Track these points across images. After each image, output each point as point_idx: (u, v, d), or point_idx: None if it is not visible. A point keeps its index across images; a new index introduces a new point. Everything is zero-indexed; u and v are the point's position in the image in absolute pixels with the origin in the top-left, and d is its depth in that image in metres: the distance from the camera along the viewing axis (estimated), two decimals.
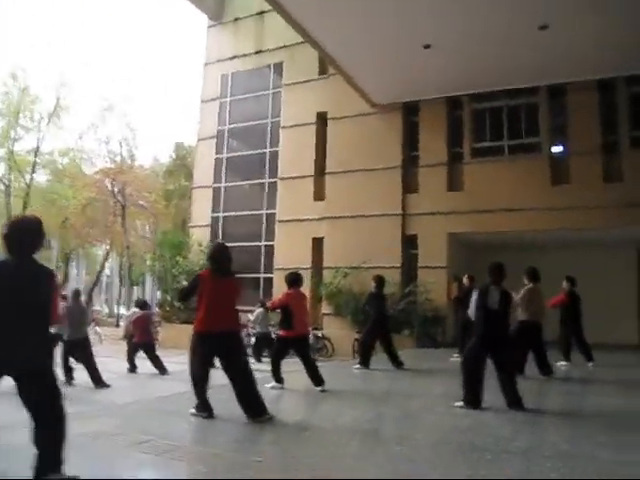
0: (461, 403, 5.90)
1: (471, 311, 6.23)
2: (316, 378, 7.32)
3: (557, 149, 15.41)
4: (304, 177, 17.89)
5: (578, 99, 14.89)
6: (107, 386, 9.35)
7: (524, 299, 8.51)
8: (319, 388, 7.26)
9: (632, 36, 12.39)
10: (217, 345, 5.40)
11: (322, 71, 18.14)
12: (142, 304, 12.87)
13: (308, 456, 4.22)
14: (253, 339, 14.08)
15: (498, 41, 13.07)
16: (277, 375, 7.45)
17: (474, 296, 6.25)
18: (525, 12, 11.92)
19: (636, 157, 14.22)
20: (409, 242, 16.05)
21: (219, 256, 5.68)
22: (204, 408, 5.40)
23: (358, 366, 9.64)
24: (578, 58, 13.56)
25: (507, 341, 6.10)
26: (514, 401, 5.82)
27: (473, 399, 5.83)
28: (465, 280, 11.28)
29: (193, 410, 5.44)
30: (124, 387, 9.79)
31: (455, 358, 10.96)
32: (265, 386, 7.36)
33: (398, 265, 15.76)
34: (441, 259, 15.24)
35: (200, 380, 5.44)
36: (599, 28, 12.14)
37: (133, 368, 11.40)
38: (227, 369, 5.47)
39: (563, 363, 10.10)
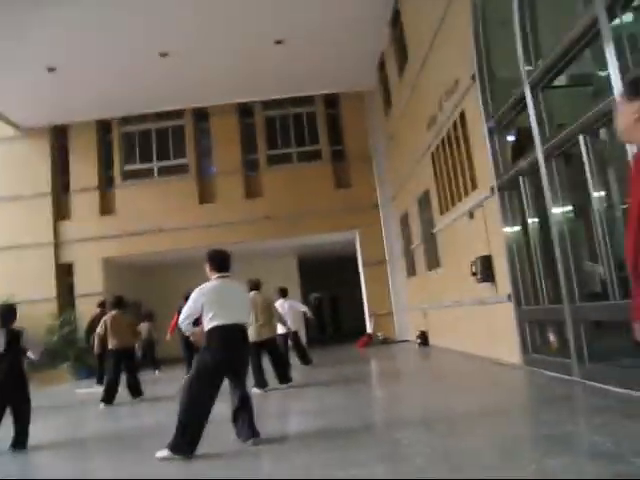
0: None
1: None
2: None
3: (205, 170, 16.20)
4: None
5: (220, 122, 15.92)
6: None
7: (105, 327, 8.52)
8: None
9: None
10: None
11: None
12: None
13: None
14: None
15: (126, 71, 13.36)
16: None
17: None
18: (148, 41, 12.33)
19: (272, 174, 15.72)
20: (64, 271, 15.32)
21: None
22: None
23: None
24: (217, 83, 14.48)
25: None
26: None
27: None
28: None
29: None
30: None
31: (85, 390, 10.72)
32: None
33: (53, 296, 14.93)
34: (98, 285, 14.84)
35: None
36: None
37: None
38: None
39: None
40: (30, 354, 5.81)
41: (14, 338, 5.53)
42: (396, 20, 12.14)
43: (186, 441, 4.30)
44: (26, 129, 15.65)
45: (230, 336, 4.60)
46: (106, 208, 15.55)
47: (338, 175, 16.02)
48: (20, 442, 5.42)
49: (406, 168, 12.68)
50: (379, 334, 15.14)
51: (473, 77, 7.59)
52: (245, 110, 16.19)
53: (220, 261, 4.93)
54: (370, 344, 14.76)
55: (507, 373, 6.90)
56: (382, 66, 14.37)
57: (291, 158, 16.10)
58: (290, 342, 10.38)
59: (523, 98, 6.22)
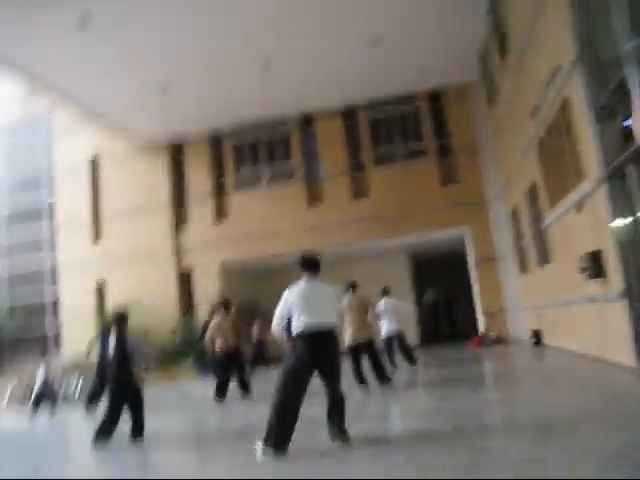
0: None
1: None
2: None
3: (312, 173, 16.60)
4: (82, 222, 17.65)
5: (325, 126, 16.23)
6: None
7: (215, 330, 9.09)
8: None
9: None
10: None
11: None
12: None
13: None
14: None
15: (232, 83, 14.09)
16: None
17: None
18: (250, 52, 12.91)
19: (378, 174, 15.74)
20: (184, 275, 16.41)
21: None
22: None
23: None
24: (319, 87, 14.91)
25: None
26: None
27: None
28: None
29: None
30: None
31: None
32: None
33: (175, 299, 16.05)
34: (215, 288, 15.74)
35: None
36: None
37: None
38: None
39: None
40: (140, 359, 6.32)
41: (123, 342, 6.11)
42: (495, 7, 11.67)
43: (276, 438, 4.48)
44: (148, 145, 17.00)
45: (316, 337, 4.71)
46: (221, 215, 16.48)
47: (444, 171, 15.69)
48: (137, 433, 5.98)
49: (513, 160, 12.15)
50: (491, 333, 14.61)
51: (575, 61, 7.13)
52: (348, 112, 16.36)
53: (308, 264, 5.06)
54: (483, 344, 14.30)
55: (618, 376, 6.41)
56: (484, 56, 13.87)
57: (396, 157, 16.02)
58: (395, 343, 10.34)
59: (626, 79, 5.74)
